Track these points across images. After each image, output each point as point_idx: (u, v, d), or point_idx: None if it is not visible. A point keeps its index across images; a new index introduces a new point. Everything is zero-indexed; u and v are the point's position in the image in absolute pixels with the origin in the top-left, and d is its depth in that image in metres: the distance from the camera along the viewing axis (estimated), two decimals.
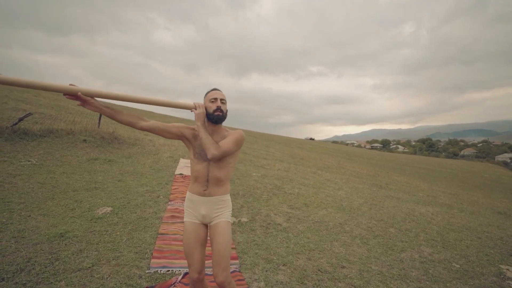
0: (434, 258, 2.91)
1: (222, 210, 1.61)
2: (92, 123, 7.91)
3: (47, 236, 2.49)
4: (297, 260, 2.59)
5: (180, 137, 1.64)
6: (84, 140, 6.64)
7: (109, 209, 3.29)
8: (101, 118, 8.12)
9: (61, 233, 2.55)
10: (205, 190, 1.58)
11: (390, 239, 3.37)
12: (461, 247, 3.34)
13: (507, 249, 3.40)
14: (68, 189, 3.84)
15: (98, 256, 2.28)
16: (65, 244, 2.39)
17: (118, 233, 2.73)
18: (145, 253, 2.42)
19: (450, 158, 69.24)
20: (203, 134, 1.52)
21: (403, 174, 16.98)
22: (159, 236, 2.76)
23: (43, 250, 2.26)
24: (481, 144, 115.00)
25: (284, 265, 2.49)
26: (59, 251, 2.28)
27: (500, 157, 72.32)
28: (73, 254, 2.25)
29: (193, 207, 1.61)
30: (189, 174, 5.33)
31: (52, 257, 2.18)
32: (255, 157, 9.55)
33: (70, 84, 1.44)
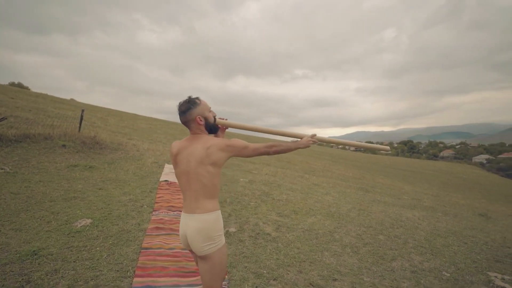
0: (424, 267, 2.90)
1: None
2: (72, 127, 7.56)
3: (18, 254, 2.29)
4: (288, 274, 2.51)
5: None
6: (64, 145, 6.32)
7: (88, 221, 3.09)
8: (82, 121, 7.78)
9: (34, 251, 2.35)
10: None
11: (380, 247, 3.34)
12: (449, 253, 3.36)
13: (493, 254, 3.46)
14: (44, 199, 3.59)
15: (75, 276, 2.11)
16: (38, 264, 2.20)
17: (98, 248, 2.56)
18: (127, 271, 2.26)
19: (430, 159, 71.58)
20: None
21: (387, 176, 17.33)
22: (142, 250, 2.60)
23: (12, 272, 2.06)
24: (459, 146, 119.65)
25: (274, 279, 2.39)
26: (31, 271, 2.09)
27: (476, 158, 75.53)
28: (46, 275, 2.07)
29: None
30: (175, 181, 5.16)
31: (22, 279, 1.99)
32: (242, 161, 9.44)
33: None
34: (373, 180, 12.93)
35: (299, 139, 1.68)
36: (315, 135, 1.67)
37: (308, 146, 1.64)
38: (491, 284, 2.66)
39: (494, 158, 76.70)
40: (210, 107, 1.55)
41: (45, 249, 2.41)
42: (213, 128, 1.56)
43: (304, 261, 2.78)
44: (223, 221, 3.53)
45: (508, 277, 2.81)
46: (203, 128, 1.50)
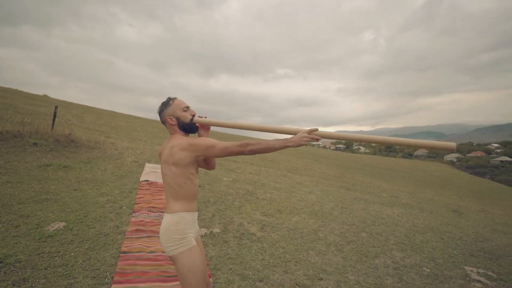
0: (406, 263, 2.97)
1: None
2: (45, 124, 7.13)
3: None
4: (274, 274, 2.47)
5: None
6: (35, 144, 5.93)
7: (62, 224, 2.90)
8: (56, 118, 7.36)
9: (0, 259, 2.16)
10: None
11: (363, 244, 3.39)
12: (428, 249, 3.46)
13: (468, 249, 3.61)
14: (12, 201, 3.34)
15: (46, 285, 1.95)
16: (4, 273, 2.02)
17: (72, 253, 2.40)
18: (105, 277, 2.13)
19: (406, 158, 74.52)
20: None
21: (366, 175, 17.83)
22: (121, 255, 2.47)
23: None
24: None
25: (260, 281, 2.35)
26: None
27: (448, 157, 79.52)
28: (13, 285, 1.90)
29: (194, 227, 1.49)
30: (156, 180, 4.99)
31: None
32: (226, 160, 9.33)
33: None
34: (353, 178, 13.25)
35: (290, 136, 1.39)
36: (315, 129, 1.36)
37: (302, 145, 1.34)
38: (468, 278, 2.76)
39: (463, 156, 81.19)
40: (186, 106, 1.52)
41: (12, 256, 2.22)
42: (188, 127, 1.51)
43: (290, 261, 2.76)
44: (206, 222, 3.46)
45: (482, 271, 2.94)
46: (176, 128, 1.51)
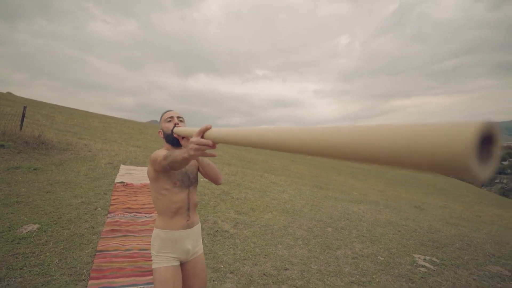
0: (363, 253, 3.30)
1: (200, 239, 1.49)
2: (12, 125, 6.86)
3: None
4: (244, 267, 2.69)
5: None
6: (2, 146, 5.74)
7: (35, 226, 2.94)
8: (24, 118, 7.11)
9: None
10: (187, 220, 1.40)
11: (327, 238, 3.70)
12: (385, 241, 3.84)
13: (419, 239, 4.03)
14: None
15: (23, 283, 2.04)
16: None
17: (47, 254, 2.47)
18: (82, 274, 2.24)
19: None
20: (207, 159, 1.45)
21: (341, 174, 18.55)
22: (97, 253, 2.58)
23: None
24: None
25: (231, 272, 2.55)
26: None
27: None
28: None
29: (173, 246, 1.35)
30: (132, 182, 5.04)
31: None
32: None
33: None
34: (328, 178, 13.79)
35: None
36: (207, 128, 0.92)
37: (196, 156, 0.97)
38: (415, 264, 3.13)
39: None
40: (170, 117, 1.41)
41: None
42: (169, 139, 1.38)
43: (259, 254, 2.98)
44: None
45: (428, 257, 3.34)
46: (164, 141, 1.43)
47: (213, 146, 0.93)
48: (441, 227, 4.95)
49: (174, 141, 1.37)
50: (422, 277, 2.87)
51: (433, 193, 18.11)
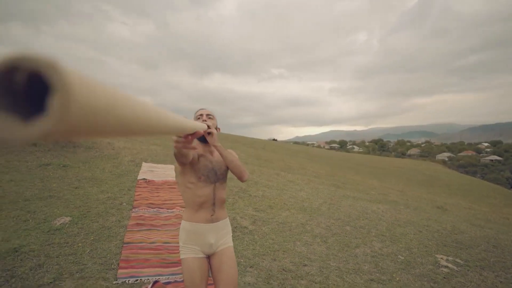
0: (383, 252, 3.28)
1: (227, 235, 1.52)
2: None
3: None
4: (263, 262, 2.75)
5: (193, 160, 1.42)
6: (34, 144, 6.11)
7: (67, 219, 3.13)
8: None
9: (15, 248, 2.39)
10: (212, 215, 1.46)
11: (346, 236, 3.69)
12: (405, 240, 3.78)
13: (442, 240, 3.93)
14: (18, 198, 3.55)
15: (59, 270, 2.20)
16: (21, 260, 2.26)
17: (80, 244, 2.64)
18: (111, 264, 2.38)
19: (398, 157, 75.57)
20: (232, 156, 1.47)
21: (358, 173, 18.24)
22: (124, 245, 2.72)
23: None
24: (424, 144, 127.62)
25: (251, 267, 2.62)
26: (14, 267, 2.15)
27: (439, 156, 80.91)
28: (31, 270, 2.14)
29: (197, 239, 1.43)
30: (153, 179, 5.23)
31: (7, 274, 2.06)
32: None
33: None
34: (345, 177, 13.60)
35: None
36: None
37: (175, 150, 1.24)
38: (437, 264, 3.07)
39: (454, 156, 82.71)
40: (200, 114, 1.52)
41: (26, 246, 2.46)
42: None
43: (278, 250, 3.03)
44: None
45: (451, 258, 3.26)
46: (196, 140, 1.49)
47: (186, 138, 0.93)
48: (465, 229, 4.79)
49: (201, 137, 1.42)
50: (444, 277, 2.81)
51: (456, 194, 17.44)
